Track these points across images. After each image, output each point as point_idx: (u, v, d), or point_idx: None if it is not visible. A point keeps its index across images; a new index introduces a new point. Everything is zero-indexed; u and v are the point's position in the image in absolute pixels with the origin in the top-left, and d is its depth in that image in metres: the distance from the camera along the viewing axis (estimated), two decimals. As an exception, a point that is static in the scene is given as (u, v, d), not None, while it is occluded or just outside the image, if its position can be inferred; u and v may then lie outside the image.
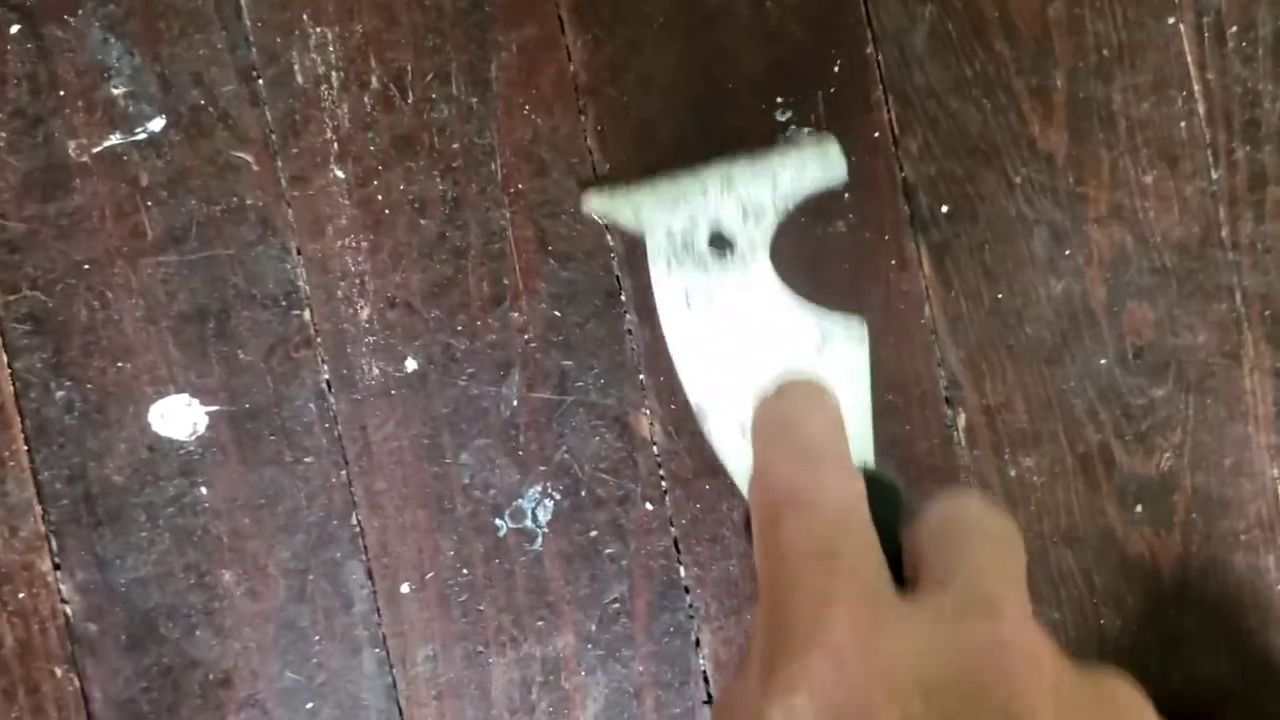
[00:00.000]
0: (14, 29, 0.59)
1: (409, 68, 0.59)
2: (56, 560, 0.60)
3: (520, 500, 0.60)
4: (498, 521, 0.60)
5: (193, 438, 0.60)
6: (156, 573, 0.60)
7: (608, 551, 0.60)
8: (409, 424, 0.60)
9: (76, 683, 0.60)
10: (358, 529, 0.60)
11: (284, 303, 0.60)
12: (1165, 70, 0.58)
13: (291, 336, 0.60)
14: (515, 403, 0.60)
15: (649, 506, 0.60)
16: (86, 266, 0.60)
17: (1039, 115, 0.59)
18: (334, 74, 0.59)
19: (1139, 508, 0.59)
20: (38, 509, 0.60)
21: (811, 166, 0.54)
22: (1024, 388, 0.59)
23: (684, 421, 0.60)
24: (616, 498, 0.60)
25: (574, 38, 0.59)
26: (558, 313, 0.60)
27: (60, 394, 0.60)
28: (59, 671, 0.60)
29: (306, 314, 0.60)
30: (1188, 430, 0.59)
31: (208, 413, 0.60)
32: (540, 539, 0.60)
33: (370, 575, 0.60)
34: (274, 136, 0.59)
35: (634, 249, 0.59)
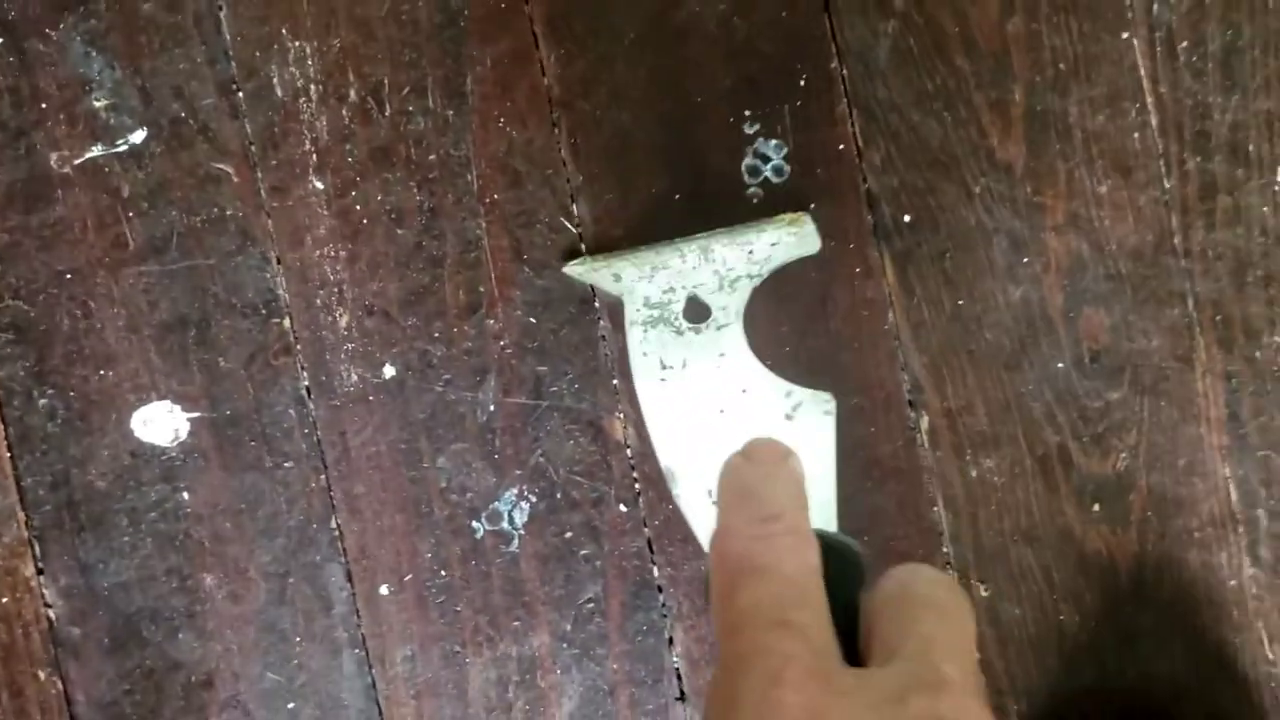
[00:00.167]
0: (-4, 43, 0.60)
1: (386, 81, 0.61)
2: (40, 565, 0.61)
3: (496, 503, 0.61)
4: (475, 524, 0.61)
5: (174, 444, 0.61)
6: (139, 577, 0.61)
7: (582, 552, 0.61)
8: (387, 429, 0.61)
9: (60, 686, 0.61)
10: (337, 532, 0.61)
11: (264, 311, 0.61)
12: (1119, 84, 0.60)
13: (271, 344, 0.61)
14: (491, 408, 0.61)
15: (623, 508, 0.61)
16: (68, 276, 0.61)
17: (998, 128, 0.61)
18: (312, 87, 0.60)
19: (1096, 507, 0.61)
20: (21, 515, 0.61)
21: (787, 240, 0.56)
22: (984, 391, 0.61)
23: (656, 425, 0.61)
24: (591, 500, 0.61)
25: (547, 53, 0.61)
26: (532, 320, 0.61)
27: (43, 402, 0.61)
28: (42, 675, 0.61)
29: (286, 322, 0.61)
30: (1143, 432, 0.61)
31: (189, 419, 0.61)
32: (516, 541, 0.61)
33: (349, 578, 0.61)
34: (253, 148, 0.61)
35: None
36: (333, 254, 0.61)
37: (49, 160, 0.61)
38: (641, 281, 0.57)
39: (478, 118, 0.61)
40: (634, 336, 0.57)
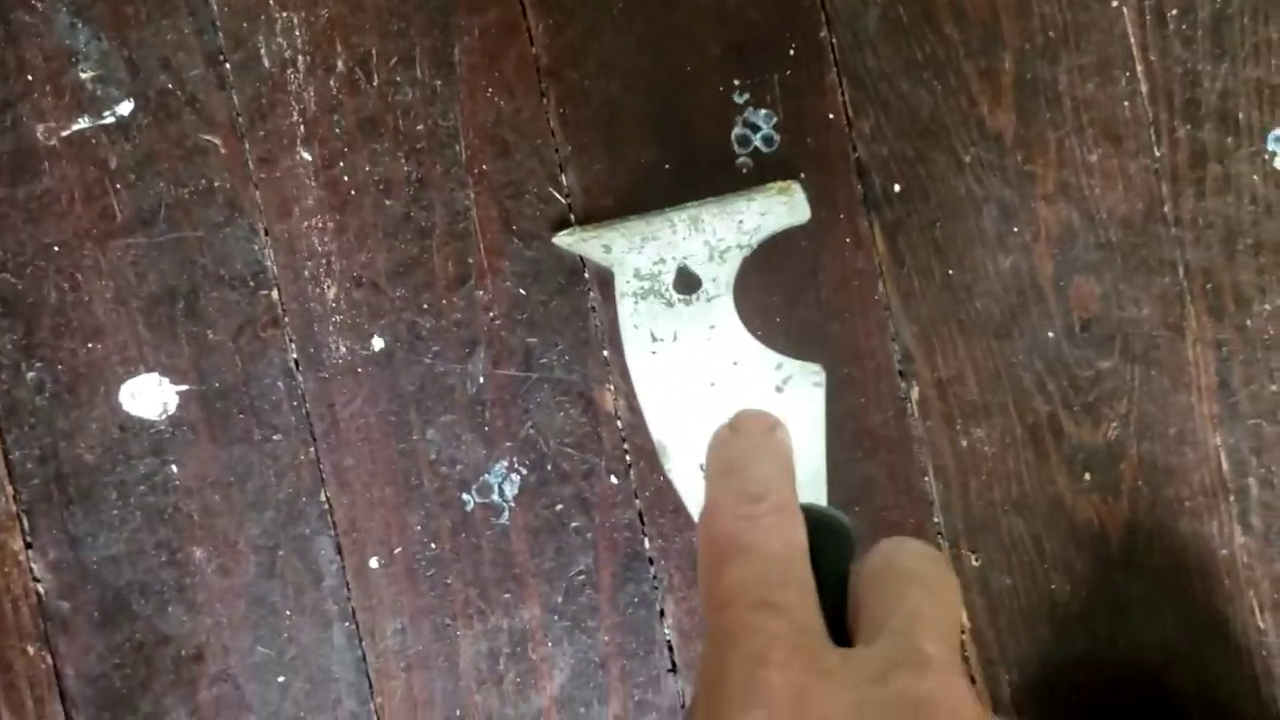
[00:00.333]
0: (-19, 14, 0.60)
1: (374, 51, 0.60)
2: (28, 539, 0.60)
3: (487, 475, 0.61)
4: (465, 496, 0.61)
5: (163, 417, 0.61)
6: (128, 550, 0.60)
7: (573, 525, 0.61)
8: (376, 401, 0.61)
9: (49, 660, 0.60)
10: (326, 505, 0.61)
11: (252, 283, 0.61)
12: (1109, 51, 0.60)
13: (259, 316, 0.61)
14: (481, 380, 0.61)
15: (613, 480, 0.61)
16: (56, 249, 0.60)
17: (988, 96, 0.60)
18: (300, 58, 0.60)
19: (1087, 476, 0.61)
20: (9, 489, 0.60)
21: (777, 209, 0.56)
22: (974, 361, 0.61)
23: (646, 396, 0.61)
24: (581, 472, 0.61)
25: (535, 22, 0.61)
26: (522, 291, 0.61)
27: (31, 375, 0.60)
28: (31, 649, 0.60)
29: (274, 294, 0.61)
30: (1133, 401, 0.61)
31: (178, 392, 0.61)
32: (507, 513, 0.61)
33: (339, 550, 0.61)
34: (241, 119, 0.60)
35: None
36: (321, 225, 0.61)
37: (35, 132, 0.60)
38: (631, 252, 0.57)
39: (466, 88, 0.60)
40: (624, 308, 0.57)
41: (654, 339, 0.56)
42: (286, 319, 0.61)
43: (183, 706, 0.61)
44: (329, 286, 0.61)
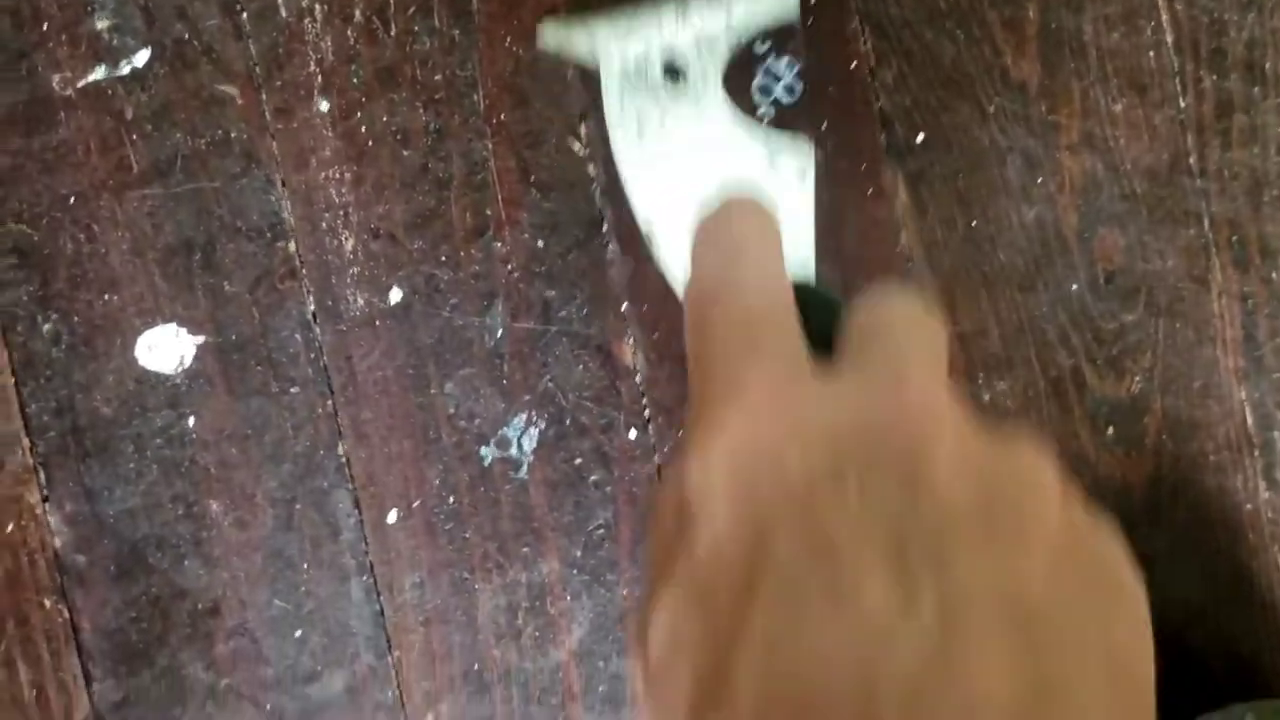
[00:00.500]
0: (-3, -37, 0.59)
1: (391, 1, 0.60)
2: (45, 493, 0.60)
3: (505, 429, 0.61)
4: (483, 450, 0.61)
5: (180, 369, 0.60)
6: (145, 504, 0.60)
7: (592, 479, 0.61)
8: (394, 354, 0.60)
9: (66, 613, 0.60)
10: (344, 459, 0.60)
11: (269, 234, 0.60)
12: (1134, 0, 0.59)
13: (277, 268, 0.60)
14: (499, 333, 0.60)
15: (632, 434, 0.61)
16: (72, 200, 0.60)
17: (1012, 46, 0.60)
18: (317, 7, 0.60)
19: (1110, 430, 0.60)
20: (25, 442, 0.60)
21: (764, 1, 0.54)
22: (997, 313, 0.60)
23: (666, 350, 0.61)
24: (600, 426, 0.61)
25: (554, -29, 0.60)
26: (540, 243, 0.60)
27: (47, 327, 0.60)
28: (48, 603, 0.60)
29: (291, 245, 0.60)
30: (1157, 354, 0.60)
31: (195, 344, 0.60)
32: (525, 467, 0.61)
33: (357, 504, 0.60)
34: (258, 70, 0.60)
35: (616, 181, 0.60)
36: (338, 176, 0.60)
37: (51, 82, 0.60)
38: (618, 43, 0.55)
39: (484, 37, 0.60)
40: (611, 99, 0.55)
41: (641, 125, 0.55)
42: (304, 271, 0.60)
43: (199, 660, 0.60)
44: (346, 238, 0.60)
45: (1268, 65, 0.59)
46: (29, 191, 0.60)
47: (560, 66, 0.60)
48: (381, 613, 0.60)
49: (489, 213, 0.60)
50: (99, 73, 0.60)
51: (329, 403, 0.60)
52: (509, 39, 0.60)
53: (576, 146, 0.60)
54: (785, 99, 0.60)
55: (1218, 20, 0.59)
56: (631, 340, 0.60)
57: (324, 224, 0.60)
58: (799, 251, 0.51)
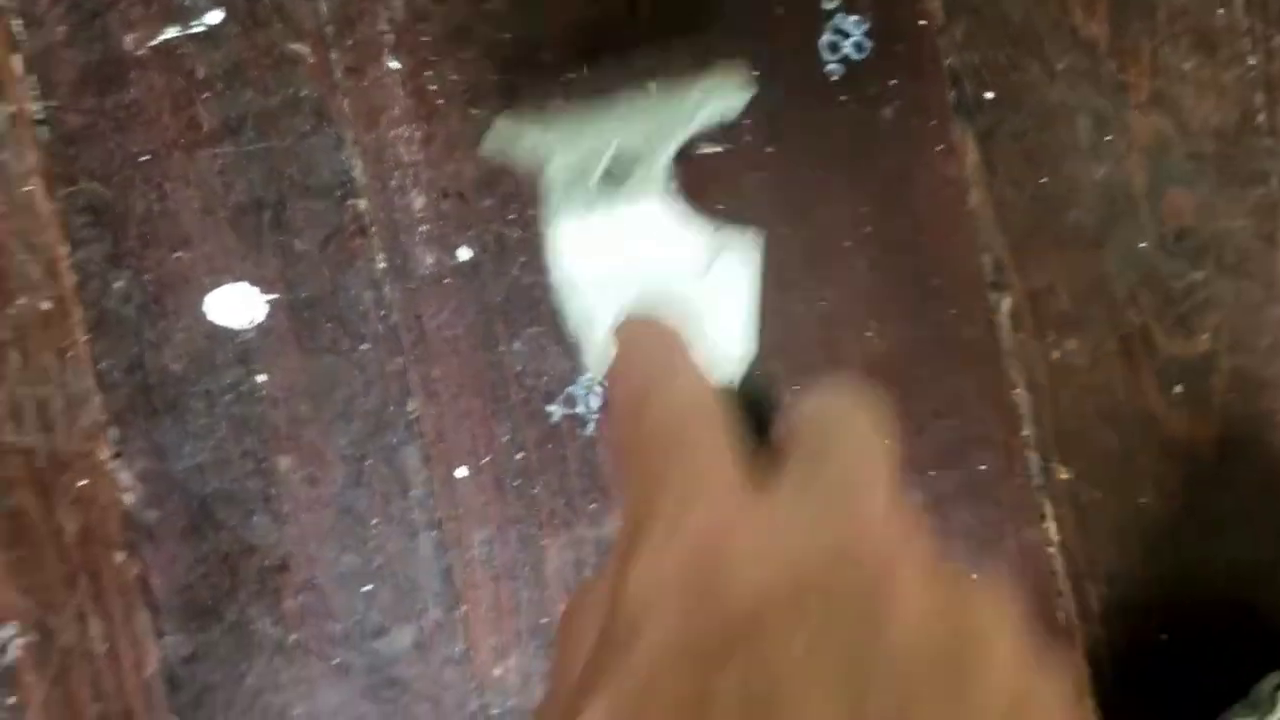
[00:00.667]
0: (71, -78, 0.60)
1: (461, -41, 0.60)
2: (116, 449, 0.61)
3: (572, 387, 0.61)
4: (550, 408, 0.61)
5: (250, 326, 0.61)
6: (214, 460, 0.61)
7: (658, 437, 0.61)
8: (463, 312, 0.61)
9: (136, 569, 0.61)
10: (413, 415, 0.61)
11: (339, 193, 0.61)
12: (1204, -41, 0.59)
13: (347, 226, 0.61)
14: (567, 291, 0.61)
15: (699, 392, 0.61)
16: (144, 158, 0.60)
17: (1081, 4, 0.60)
18: (388, -35, 0.60)
19: (1178, 389, 0.60)
20: (97, 398, 0.61)
21: (718, 92, 0.52)
22: (1067, 272, 0.60)
23: (733, 308, 0.61)
24: (667, 384, 0.61)
25: (624, -70, 0.60)
26: (609, 202, 0.61)
27: (118, 285, 0.61)
28: (119, 558, 0.61)
29: (362, 204, 0.61)
30: (1226, 313, 0.60)
31: (265, 301, 0.61)
32: (592, 425, 0.61)
33: (426, 460, 0.61)
34: (329, 28, 0.60)
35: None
36: (408, 135, 0.60)
37: (123, 42, 0.60)
38: (564, 142, 0.52)
39: (554, -5, 0.60)
40: (553, 198, 0.52)
41: (580, 227, 0.53)
42: (374, 229, 0.61)
43: (268, 615, 0.61)
44: (416, 196, 0.61)
45: (1339, 23, 0.59)
46: (101, 150, 0.60)
47: (623, 24, 0.60)
48: (450, 568, 0.61)
49: (557, 171, 0.60)
50: (170, 32, 0.60)
51: (399, 360, 0.60)
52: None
53: (645, 105, 0.60)
54: (855, 55, 0.60)
55: (1289, -22, 0.59)
56: (699, 299, 0.61)
57: (394, 182, 0.61)
58: (739, 352, 0.49)
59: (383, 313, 0.61)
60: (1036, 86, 0.60)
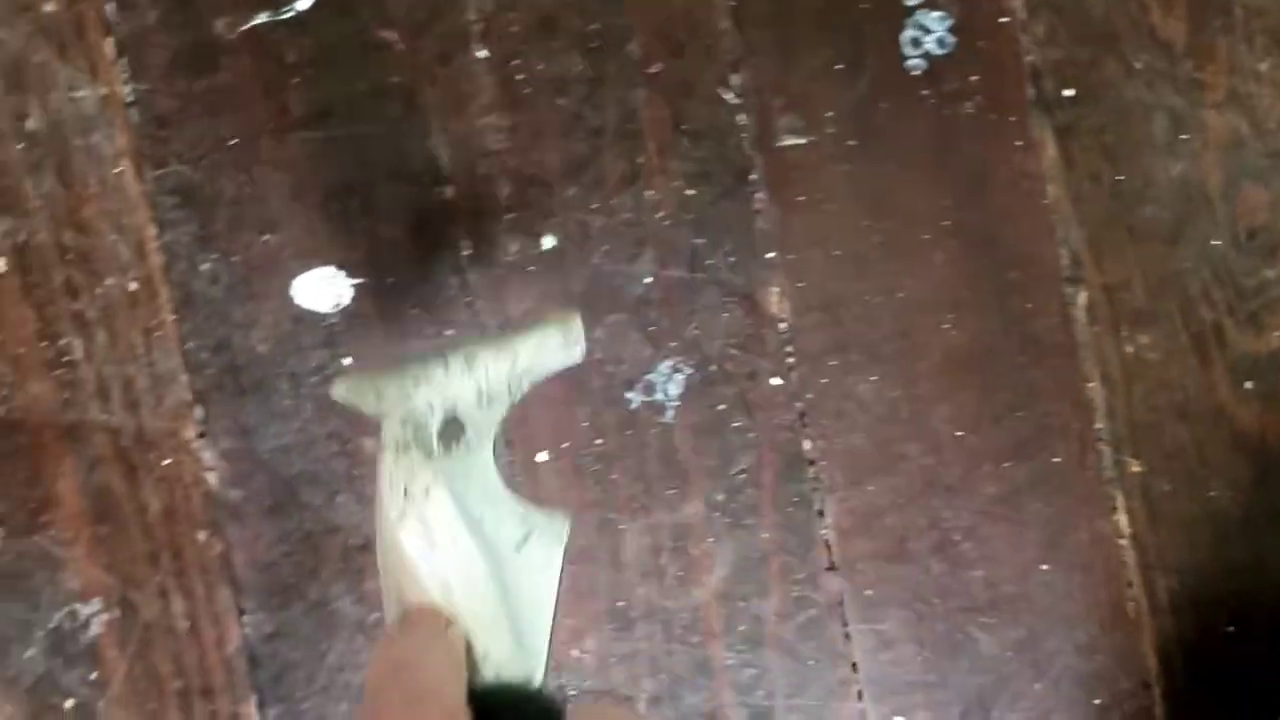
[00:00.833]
0: (165, -92, 0.61)
1: (550, -49, 0.61)
2: (201, 429, 0.62)
3: (651, 375, 0.62)
4: (629, 395, 0.62)
5: (336, 310, 0.61)
6: (299, 441, 0.61)
7: (735, 425, 0.62)
8: (546, 300, 0.62)
9: (219, 547, 0.62)
10: (495, 399, 0.61)
11: (426, 179, 0.61)
12: (1283, -40, 0.60)
13: (433, 213, 0.61)
14: (647, 280, 0.62)
15: (776, 382, 0.62)
16: (233, 142, 0.61)
17: (1159, 3, 0.61)
18: (478, -45, 0.61)
19: (1249, 384, 0.61)
20: (184, 378, 0.61)
21: (552, 344, 0.51)
22: (1142, 267, 0.61)
23: (812, 299, 0.62)
24: (745, 373, 0.62)
25: (710, -77, 0.61)
26: (690, 192, 0.61)
27: (206, 266, 0.61)
28: (202, 536, 0.62)
29: (448, 191, 0.61)
30: (1298, 310, 0.61)
31: (351, 286, 0.61)
32: (670, 412, 0.62)
33: (508, 444, 0.62)
34: (418, 15, 0.61)
35: (766, 130, 0.61)
36: (495, 123, 0.61)
37: (214, 27, 0.61)
38: (402, 400, 0.50)
39: (641, -13, 0.61)
40: (385, 463, 0.48)
41: (406, 496, 0.50)
42: (459, 216, 0.61)
43: (349, 595, 0.62)
44: (502, 184, 0.61)
45: None
46: (191, 133, 0.61)
47: (709, 17, 0.61)
48: (529, 551, 0.62)
49: (640, 161, 0.61)
50: (261, 17, 0.61)
51: (489, 328, 0.61)
52: (666, -11, 0.61)
53: (728, 96, 0.61)
54: (937, 51, 0.61)
55: (1366, -20, 0.60)
56: (777, 289, 0.62)
57: (480, 170, 0.61)
58: (533, 643, 0.47)
59: (467, 299, 0.62)
60: (1115, 84, 0.61)
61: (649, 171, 0.61)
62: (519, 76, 0.61)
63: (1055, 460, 0.61)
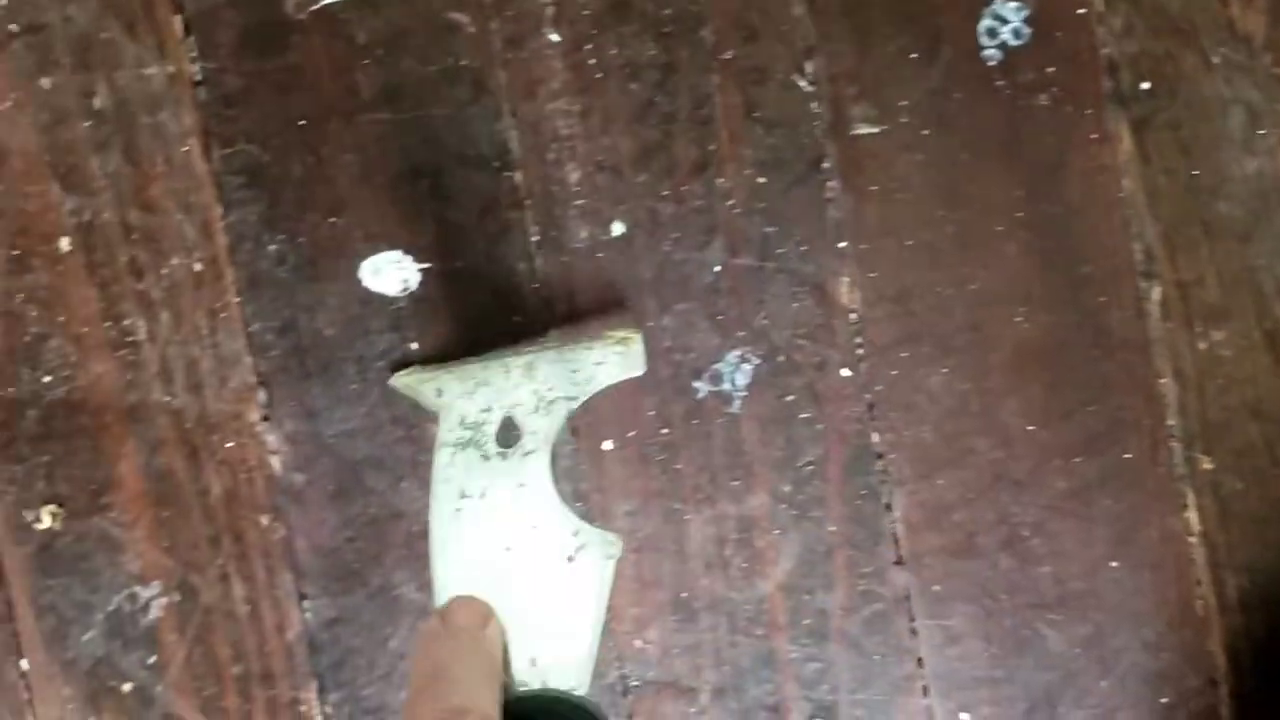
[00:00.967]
0: (238, -114, 0.60)
1: (624, -65, 0.60)
2: (265, 411, 0.61)
3: (718, 364, 0.61)
4: (696, 384, 0.61)
5: (403, 294, 0.61)
6: (365, 425, 0.61)
7: (803, 416, 0.61)
8: (615, 286, 0.61)
9: (282, 531, 0.61)
10: (562, 386, 0.61)
11: (496, 164, 0.61)
12: (1364, -45, 0.60)
13: (502, 197, 0.61)
14: (717, 268, 0.61)
15: (845, 373, 0.61)
16: (302, 122, 0.61)
17: (1239, -3, 0.60)
18: (552, -62, 0.60)
19: (1322, 383, 0.61)
20: (248, 360, 0.61)
21: (613, 360, 0.52)
22: (1216, 263, 0.61)
23: (884, 290, 0.61)
24: (814, 364, 0.61)
25: (787, -91, 0.60)
26: (761, 180, 0.61)
27: (273, 247, 0.61)
28: (265, 520, 0.61)
29: (517, 176, 0.61)
30: (1372, 308, 0.60)
31: (419, 270, 0.61)
32: (737, 402, 0.61)
33: (574, 432, 0.61)
34: (491, -1, 0.61)
35: (840, 118, 0.61)
36: (565, 108, 0.61)
37: (285, 6, 0.61)
38: (462, 398, 0.52)
39: (717, -27, 0.60)
40: (441, 459, 0.52)
41: (462, 495, 0.52)
42: (529, 201, 0.61)
43: (412, 581, 0.61)
44: (572, 170, 0.61)
45: None
46: (260, 113, 0.61)
47: (783, 3, 0.61)
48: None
49: (712, 148, 0.61)
50: (332, -2, 0.61)
51: (551, 333, 0.61)
52: (741, -25, 0.60)
53: (802, 83, 0.61)
54: (1013, 41, 0.60)
55: None
56: (848, 279, 0.61)
57: (550, 155, 0.61)
58: (578, 652, 0.48)
59: (535, 285, 0.61)
60: (1192, 77, 0.60)
61: (720, 159, 0.61)
62: (590, 61, 0.61)
63: (1126, 456, 0.61)
